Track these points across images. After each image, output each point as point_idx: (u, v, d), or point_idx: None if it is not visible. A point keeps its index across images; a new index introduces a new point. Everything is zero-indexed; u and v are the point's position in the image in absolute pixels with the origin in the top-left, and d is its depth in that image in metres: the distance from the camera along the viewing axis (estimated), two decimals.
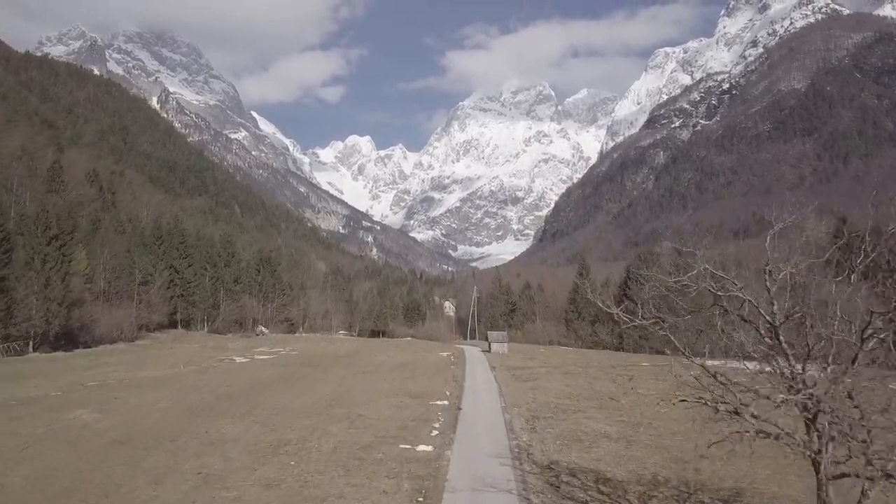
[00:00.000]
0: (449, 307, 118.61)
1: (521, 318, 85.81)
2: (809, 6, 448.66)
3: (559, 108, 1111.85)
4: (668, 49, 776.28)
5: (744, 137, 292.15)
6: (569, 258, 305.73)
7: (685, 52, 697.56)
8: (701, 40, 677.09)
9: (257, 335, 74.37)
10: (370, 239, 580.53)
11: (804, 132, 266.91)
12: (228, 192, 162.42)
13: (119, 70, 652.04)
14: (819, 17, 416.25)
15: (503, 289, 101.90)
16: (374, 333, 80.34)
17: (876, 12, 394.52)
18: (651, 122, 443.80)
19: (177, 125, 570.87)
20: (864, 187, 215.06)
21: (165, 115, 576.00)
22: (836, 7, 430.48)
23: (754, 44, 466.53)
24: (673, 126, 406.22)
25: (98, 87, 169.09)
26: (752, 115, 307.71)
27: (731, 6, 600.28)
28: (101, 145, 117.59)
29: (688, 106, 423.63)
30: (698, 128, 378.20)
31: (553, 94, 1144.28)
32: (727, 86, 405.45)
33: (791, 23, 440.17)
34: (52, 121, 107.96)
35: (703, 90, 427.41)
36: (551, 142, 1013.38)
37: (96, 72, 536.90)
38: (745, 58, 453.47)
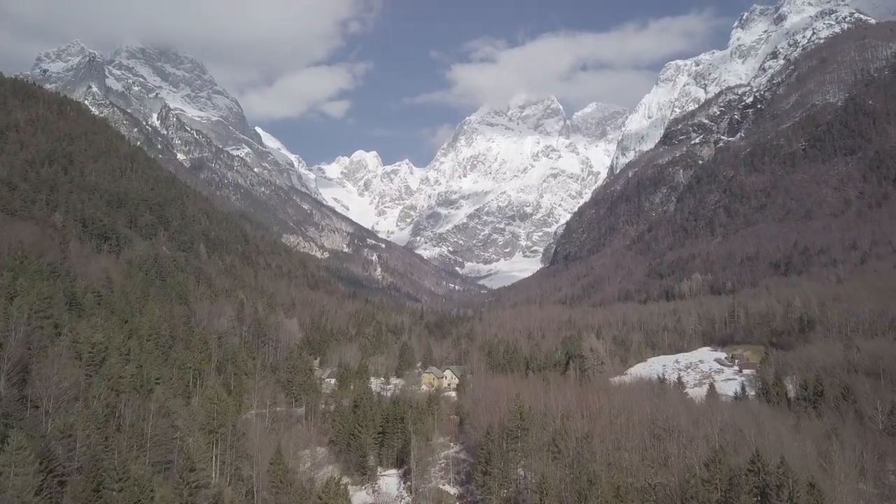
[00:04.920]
0: (450, 380, 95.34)
1: None
2: (833, 16, 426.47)
3: (567, 122, 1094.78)
4: (680, 62, 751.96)
5: (776, 156, 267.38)
6: (585, 287, 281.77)
7: (697, 64, 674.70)
8: (713, 52, 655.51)
9: None
10: (375, 258, 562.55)
11: (845, 150, 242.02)
12: (199, 225, 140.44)
13: (118, 86, 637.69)
14: (846, 26, 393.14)
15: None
16: None
17: None
18: (668, 138, 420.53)
19: (177, 142, 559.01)
20: None
21: (165, 132, 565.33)
22: (862, 17, 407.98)
23: (774, 55, 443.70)
24: (692, 142, 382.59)
25: (49, 107, 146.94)
26: (783, 131, 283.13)
27: (744, 18, 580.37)
28: (23, 180, 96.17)
29: (707, 121, 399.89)
30: (720, 144, 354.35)
31: (561, 107, 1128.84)
32: (751, 100, 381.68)
33: (814, 33, 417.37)
34: None
35: (723, 104, 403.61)
36: (560, 156, 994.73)
37: (94, 88, 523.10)
38: (764, 70, 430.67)
